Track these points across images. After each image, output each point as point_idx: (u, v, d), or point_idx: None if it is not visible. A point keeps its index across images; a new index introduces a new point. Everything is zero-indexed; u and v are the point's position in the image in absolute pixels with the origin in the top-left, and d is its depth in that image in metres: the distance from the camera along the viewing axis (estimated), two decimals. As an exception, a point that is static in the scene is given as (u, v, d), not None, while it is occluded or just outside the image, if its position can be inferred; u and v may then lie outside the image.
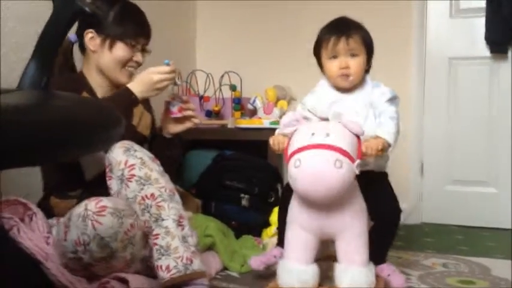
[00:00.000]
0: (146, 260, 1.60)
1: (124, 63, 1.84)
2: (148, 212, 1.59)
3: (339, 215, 1.63)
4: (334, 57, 1.81)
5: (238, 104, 2.90)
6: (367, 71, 1.89)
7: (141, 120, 1.95)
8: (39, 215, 1.64)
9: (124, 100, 1.75)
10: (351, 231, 1.66)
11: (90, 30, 1.81)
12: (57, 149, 0.91)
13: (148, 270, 1.62)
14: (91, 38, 1.82)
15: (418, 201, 3.07)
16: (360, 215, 1.68)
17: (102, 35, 1.81)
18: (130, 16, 1.85)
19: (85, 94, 1.80)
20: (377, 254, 1.77)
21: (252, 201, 2.44)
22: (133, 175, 1.60)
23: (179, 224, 1.59)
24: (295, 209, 1.70)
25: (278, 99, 2.90)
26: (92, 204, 1.48)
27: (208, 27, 3.41)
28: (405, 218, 2.92)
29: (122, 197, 1.61)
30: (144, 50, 1.89)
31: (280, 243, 1.84)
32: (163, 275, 1.53)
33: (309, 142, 1.57)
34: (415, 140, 3.06)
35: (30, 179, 1.98)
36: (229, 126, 2.74)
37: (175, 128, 1.96)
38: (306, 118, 1.70)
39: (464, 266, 2.14)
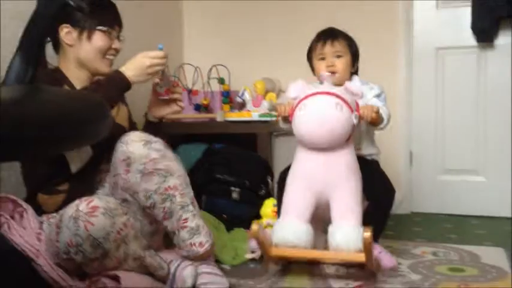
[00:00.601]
0: (141, 259, 1.60)
1: (104, 52, 1.84)
2: (171, 200, 1.67)
3: (336, 168, 1.75)
4: (322, 58, 2.03)
5: (227, 97, 2.90)
6: (355, 72, 2.09)
7: (118, 112, 1.94)
8: (30, 211, 1.62)
9: (118, 84, 1.74)
10: (346, 185, 1.73)
11: (65, 25, 1.79)
12: (46, 143, 0.90)
13: (142, 268, 1.62)
14: (67, 32, 1.80)
15: (407, 191, 3.09)
16: (355, 172, 1.77)
17: (78, 28, 1.80)
18: (102, 5, 1.85)
19: (65, 87, 1.79)
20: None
21: (242, 194, 2.45)
22: (156, 169, 1.66)
23: (194, 204, 1.73)
24: (296, 162, 1.81)
25: (267, 92, 2.89)
26: (83, 204, 1.48)
27: (196, 21, 3.39)
28: (395, 208, 2.94)
29: (131, 188, 1.66)
30: (118, 38, 1.89)
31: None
32: (198, 249, 1.70)
33: (313, 91, 1.76)
34: (403, 130, 3.08)
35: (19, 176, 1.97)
36: (218, 119, 2.74)
37: (162, 111, 1.96)
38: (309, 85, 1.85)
39: (454, 254, 2.16)
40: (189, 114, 2.84)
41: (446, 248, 2.25)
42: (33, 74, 1.14)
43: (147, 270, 1.63)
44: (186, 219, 1.69)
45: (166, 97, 1.92)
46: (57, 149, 0.99)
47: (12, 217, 1.61)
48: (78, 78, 1.84)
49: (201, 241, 1.71)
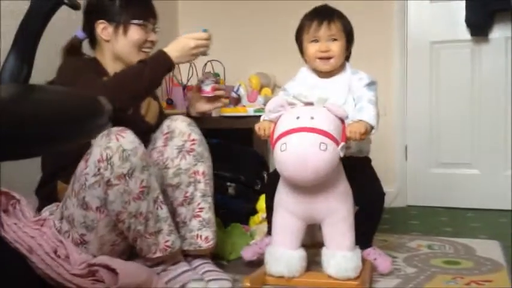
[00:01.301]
0: (142, 234, 1.60)
1: (140, 46, 1.84)
2: (195, 186, 1.76)
3: (325, 198, 1.66)
4: (315, 41, 1.86)
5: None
6: (347, 58, 1.94)
7: (149, 109, 1.95)
8: (23, 201, 1.63)
9: (163, 64, 1.73)
10: (337, 215, 1.68)
11: (101, 21, 1.80)
12: (41, 142, 0.90)
13: (149, 236, 1.62)
14: (103, 28, 1.81)
15: (402, 184, 3.10)
16: (345, 199, 1.70)
17: (113, 23, 1.81)
18: None
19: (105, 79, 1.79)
20: (363, 238, 1.79)
21: (238, 190, 2.45)
22: (193, 149, 1.77)
23: (212, 198, 1.79)
24: (282, 194, 1.73)
25: (262, 87, 2.89)
26: (114, 128, 1.54)
27: (190, 16, 3.39)
28: (390, 202, 2.96)
29: (164, 162, 1.76)
30: (154, 30, 1.89)
31: (270, 231, 1.86)
32: (202, 243, 1.75)
33: (294, 125, 1.60)
34: (398, 124, 3.09)
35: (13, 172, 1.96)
36: (213, 115, 2.73)
37: (205, 107, 1.98)
38: (291, 104, 1.72)
39: (449, 247, 2.17)
40: (184, 110, 2.84)
41: (442, 241, 2.27)
42: (28, 72, 1.14)
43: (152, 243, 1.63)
44: (202, 209, 1.76)
45: (211, 94, 1.92)
46: (53, 147, 0.99)
47: (6, 210, 1.61)
48: (114, 71, 1.81)
49: (207, 236, 1.75)
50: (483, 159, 2.99)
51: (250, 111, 2.67)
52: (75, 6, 1.24)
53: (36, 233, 1.56)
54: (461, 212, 2.91)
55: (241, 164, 2.50)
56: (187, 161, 1.76)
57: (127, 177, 1.52)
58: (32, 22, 1.19)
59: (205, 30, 1.80)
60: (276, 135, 1.64)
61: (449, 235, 2.40)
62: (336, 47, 1.84)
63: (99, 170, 1.51)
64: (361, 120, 1.71)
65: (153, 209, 1.59)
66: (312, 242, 1.94)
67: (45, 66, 2.14)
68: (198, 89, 1.98)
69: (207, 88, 1.92)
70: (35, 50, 1.19)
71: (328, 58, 1.85)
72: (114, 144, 1.51)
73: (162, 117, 2.02)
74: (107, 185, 1.52)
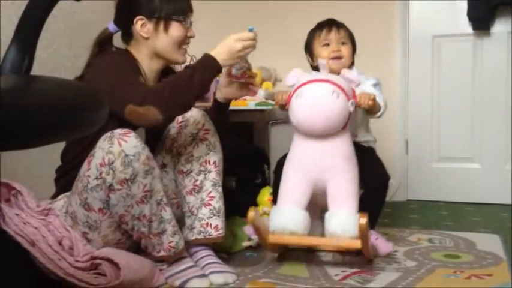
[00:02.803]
0: (145, 235, 1.60)
1: (181, 42, 1.80)
2: (205, 175, 1.79)
3: (332, 156, 1.75)
4: (327, 44, 2.05)
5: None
6: (351, 64, 2.10)
7: None
8: (25, 192, 1.63)
9: (211, 68, 1.67)
10: (342, 174, 1.73)
11: (140, 17, 1.74)
12: (41, 133, 0.90)
13: (145, 246, 1.64)
14: (142, 24, 1.75)
15: (403, 178, 3.10)
16: (351, 161, 1.77)
17: (153, 19, 1.75)
18: None
19: (141, 78, 1.75)
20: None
21: (239, 183, 2.45)
22: (206, 138, 1.80)
23: (222, 188, 1.82)
24: (292, 150, 1.81)
25: (263, 81, 2.89)
26: (118, 130, 1.54)
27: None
28: (391, 196, 2.96)
29: (177, 149, 1.81)
30: (190, 24, 1.84)
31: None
32: (211, 231, 1.77)
33: (310, 78, 1.77)
34: (400, 118, 3.08)
35: (15, 163, 1.97)
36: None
37: (234, 93, 1.88)
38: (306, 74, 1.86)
39: (450, 241, 2.18)
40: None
41: (442, 235, 2.27)
42: (30, 63, 1.14)
43: (148, 250, 1.63)
44: (212, 197, 1.78)
45: (242, 80, 1.83)
46: (53, 139, 0.99)
47: (8, 200, 1.61)
48: (150, 70, 1.81)
49: (217, 224, 1.77)
50: (484, 154, 2.99)
51: (251, 104, 2.66)
52: (75, -1, 1.24)
53: (41, 223, 1.56)
54: (462, 206, 2.91)
55: (242, 158, 2.50)
56: (199, 149, 1.79)
57: (129, 183, 1.51)
58: (33, 13, 1.18)
59: (251, 30, 1.74)
60: (292, 91, 1.77)
61: (449, 229, 2.40)
62: (345, 49, 2.05)
63: (100, 174, 1.51)
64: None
65: (157, 211, 1.59)
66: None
67: (46, 57, 2.16)
68: (229, 72, 1.85)
69: (238, 73, 1.82)
70: (36, 41, 1.18)
71: (340, 58, 2.03)
72: (116, 149, 1.50)
73: None
74: (109, 189, 1.51)
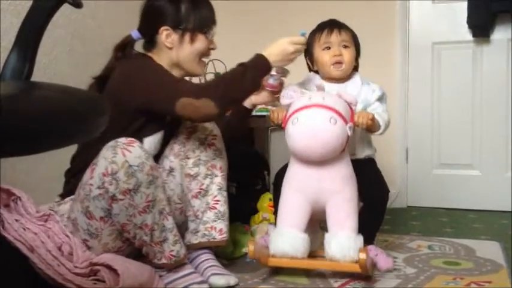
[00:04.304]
0: (147, 244, 1.60)
1: (203, 54, 1.81)
2: (211, 179, 1.81)
3: (331, 178, 1.72)
4: (328, 48, 1.92)
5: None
6: (355, 68, 1.99)
7: None
8: (24, 197, 1.63)
9: (262, 68, 1.72)
10: (342, 195, 1.72)
11: (166, 27, 1.74)
12: (41, 139, 0.91)
13: (145, 254, 1.64)
14: (167, 35, 1.75)
15: (403, 185, 3.10)
16: (350, 182, 1.75)
17: (179, 30, 1.75)
18: (201, 5, 1.80)
19: None
20: (366, 234, 1.80)
21: (239, 189, 2.45)
22: (214, 144, 1.84)
23: (226, 192, 1.84)
24: (290, 173, 1.78)
25: (263, 87, 2.89)
26: (122, 138, 1.54)
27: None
28: (391, 202, 2.95)
29: (185, 153, 1.82)
30: (212, 36, 1.84)
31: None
32: (216, 235, 1.79)
33: (306, 103, 1.70)
34: (400, 125, 3.09)
35: (15, 169, 1.97)
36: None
37: (261, 99, 1.86)
38: (302, 92, 1.79)
39: (449, 248, 2.18)
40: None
41: (442, 242, 2.27)
42: (30, 70, 1.14)
43: (148, 258, 1.63)
44: (218, 201, 1.81)
45: (277, 89, 1.83)
46: (54, 145, 0.99)
47: (8, 205, 1.61)
48: None
49: (221, 228, 1.80)
50: (484, 161, 2.99)
51: (251, 110, 2.67)
52: (77, 5, 1.24)
53: (40, 229, 1.55)
54: (462, 213, 2.90)
55: (242, 164, 2.50)
56: (207, 153, 1.82)
57: (132, 193, 1.51)
58: (34, 20, 1.18)
59: (303, 34, 1.76)
60: (288, 114, 1.73)
61: (449, 236, 2.40)
62: (347, 54, 1.91)
63: (103, 183, 1.50)
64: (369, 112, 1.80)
65: (159, 221, 1.59)
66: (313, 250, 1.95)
67: (47, 63, 2.17)
68: (264, 81, 1.83)
69: (275, 82, 1.81)
70: (37, 47, 1.18)
71: (341, 63, 1.90)
72: (120, 159, 1.49)
73: None
74: (112, 199, 1.51)
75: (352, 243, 1.67)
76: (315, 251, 1.86)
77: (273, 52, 1.72)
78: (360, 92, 1.91)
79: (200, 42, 1.78)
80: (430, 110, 3.07)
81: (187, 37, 1.76)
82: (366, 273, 1.72)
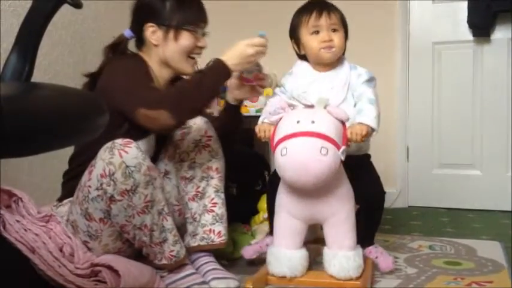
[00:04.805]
0: (147, 244, 1.61)
1: (190, 52, 1.79)
2: (208, 181, 1.79)
3: (326, 200, 1.66)
4: (316, 32, 1.82)
5: (224, 92, 2.89)
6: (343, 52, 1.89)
7: None
8: (25, 198, 1.63)
9: (221, 73, 1.66)
10: (338, 216, 1.68)
11: (151, 24, 1.74)
12: (41, 140, 0.90)
13: (145, 256, 1.64)
14: (152, 31, 1.75)
15: (404, 185, 3.10)
16: (347, 200, 1.70)
17: (163, 27, 1.74)
18: (188, 2, 1.79)
19: (154, 84, 1.76)
20: (364, 236, 1.80)
21: (239, 189, 2.45)
22: (209, 145, 1.80)
23: (224, 194, 1.82)
24: (283, 196, 1.72)
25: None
26: (119, 140, 1.53)
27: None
28: (392, 202, 2.96)
29: (180, 156, 1.80)
30: (203, 34, 1.83)
31: (272, 231, 1.85)
32: (214, 238, 1.77)
33: (295, 130, 1.58)
34: (400, 125, 3.09)
35: (16, 169, 1.97)
36: (215, 114, 2.74)
37: (243, 94, 1.88)
38: (290, 105, 1.71)
39: (450, 248, 2.17)
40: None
41: (443, 242, 2.26)
42: (30, 70, 1.14)
43: (149, 259, 1.63)
44: (215, 204, 1.79)
45: (254, 83, 1.83)
46: (53, 146, 0.99)
47: (9, 206, 1.61)
48: (161, 77, 1.80)
49: (220, 231, 1.78)
50: (485, 160, 2.99)
51: (251, 111, 2.67)
52: (77, 5, 1.24)
53: (42, 230, 1.55)
54: (463, 212, 2.90)
55: (243, 164, 2.50)
56: (202, 155, 1.79)
57: (130, 193, 1.51)
58: (34, 21, 1.18)
59: (262, 35, 1.72)
60: (276, 139, 1.63)
61: (450, 236, 2.39)
62: (337, 38, 1.81)
63: (101, 185, 1.50)
64: (362, 123, 1.68)
65: (158, 221, 1.59)
66: (314, 237, 1.95)
67: (47, 64, 2.16)
68: (241, 75, 1.83)
69: (250, 76, 1.81)
70: (36, 48, 1.18)
71: (331, 47, 1.80)
72: (117, 160, 1.49)
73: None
74: (110, 200, 1.51)
75: (351, 263, 1.66)
76: (315, 234, 1.88)
77: (231, 56, 1.67)
78: (348, 77, 1.83)
79: (185, 39, 1.76)
80: (430, 110, 3.07)
81: (171, 34, 1.75)
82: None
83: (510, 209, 2.84)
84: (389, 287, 1.73)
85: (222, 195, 1.81)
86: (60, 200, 1.72)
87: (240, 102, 1.93)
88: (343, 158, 1.58)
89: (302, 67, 1.92)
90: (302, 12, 1.86)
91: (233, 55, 1.67)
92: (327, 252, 1.70)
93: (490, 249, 2.14)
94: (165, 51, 1.76)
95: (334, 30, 1.81)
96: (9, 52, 1.16)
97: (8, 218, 1.54)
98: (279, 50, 3.08)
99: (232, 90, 1.88)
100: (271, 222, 1.90)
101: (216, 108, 2.76)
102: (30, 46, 1.16)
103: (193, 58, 1.81)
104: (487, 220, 2.72)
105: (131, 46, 1.86)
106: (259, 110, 2.62)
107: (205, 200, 1.78)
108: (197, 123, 1.80)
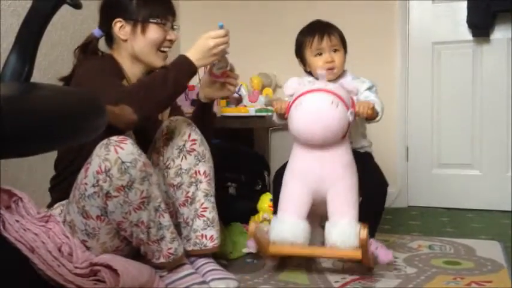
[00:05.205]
0: (144, 242, 1.61)
1: (159, 45, 1.80)
2: (196, 186, 1.75)
3: (332, 165, 1.75)
4: (319, 54, 1.98)
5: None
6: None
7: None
8: (25, 198, 1.63)
9: (186, 69, 1.67)
10: (342, 183, 1.74)
11: (118, 19, 1.76)
12: (41, 140, 0.91)
13: (142, 255, 1.64)
14: (120, 27, 1.77)
15: (403, 184, 3.10)
16: (351, 170, 1.77)
17: (131, 21, 1.76)
18: None
19: (125, 82, 1.77)
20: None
21: (239, 190, 2.45)
22: (194, 149, 1.75)
23: (214, 197, 1.78)
24: (293, 160, 1.81)
25: (263, 87, 2.90)
26: (114, 137, 1.53)
27: (192, 16, 3.39)
28: (391, 202, 2.96)
29: (165, 163, 1.76)
30: (173, 28, 1.84)
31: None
32: (207, 242, 1.75)
33: (310, 88, 1.76)
34: (400, 125, 3.09)
35: (16, 169, 1.97)
36: (217, 115, 2.74)
37: (214, 93, 1.89)
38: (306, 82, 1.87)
39: (450, 248, 2.18)
40: (186, 110, 2.84)
41: (442, 242, 2.27)
42: (30, 71, 1.14)
43: (146, 258, 1.64)
44: (205, 208, 1.75)
45: (222, 80, 1.84)
46: (52, 146, 1.00)
47: (9, 207, 1.61)
48: (132, 73, 1.82)
49: (212, 235, 1.75)
50: (484, 160, 2.99)
51: (251, 111, 2.67)
52: (77, 6, 1.24)
53: (41, 229, 1.56)
54: (462, 212, 2.90)
55: (242, 164, 2.51)
56: (188, 161, 1.75)
57: (126, 189, 1.51)
58: (34, 21, 1.19)
59: (221, 26, 1.72)
60: (292, 100, 1.76)
61: (450, 236, 2.40)
62: (338, 58, 1.98)
63: (97, 181, 1.50)
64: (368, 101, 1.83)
65: (155, 218, 1.59)
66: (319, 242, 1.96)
67: (46, 65, 2.17)
68: (210, 71, 1.86)
69: (218, 72, 1.83)
70: (36, 48, 1.19)
71: (332, 68, 1.96)
72: (113, 157, 1.49)
73: (174, 105, 2.01)
74: (106, 196, 1.51)
75: (353, 230, 1.69)
76: (322, 239, 1.87)
77: (194, 51, 1.68)
78: (353, 85, 1.93)
79: (153, 32, 1.77)
80: (430, 110, 3.07)
81: (139, 28, 1.76)
82: (367, 262, 1.72)
83: (510, 209, 2.84)
84: (388, 286, 1.73)
85: (212, 199, 1.77)
86: (50, 206, 1.72)
87: (211, 100, 1.94)
88: (351, 119, 1.72)
89: (308, 79, 2.02)
90: (305, 35, 2.02)
91: (195, 50, 1.69)
92: (328, 225, 1.74)
93: (489, 249, 2.14)
94: (134, 45, 1.78)
95: (335, 50, 1.98)
96: (8, 52, 1.17)
97: (7, 218, 1.54)
98: (279, 51, 3.09)
99: (203, 88, 1.91)
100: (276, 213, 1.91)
101: (216, 108, 2.76)
102: (30, 46, 1.17)
103: (163, 52, 1.82)
104: (486, 220, 2.72)
105: (103, 46, 1.86)
106: (259, 110, 2.63)
107: (196, 204, 1.76)
108: (178, 127, 1.75)
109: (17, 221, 1.54)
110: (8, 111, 0.86)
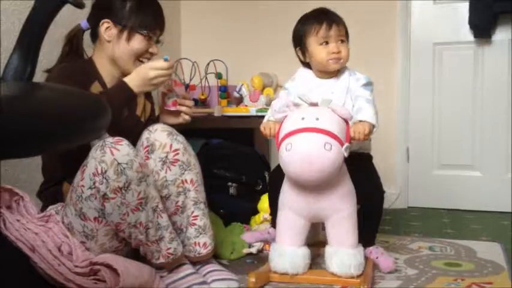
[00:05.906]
0: (143, 243, 1.61)
1: (140, 55, 1.81)
2: (185, 194, 1.73)
3: (328, 197, 1.68)
4: (326, 43, 1.87)
5: (224, 92, 2.90)
6: None
7: (144, 110, 1.95)
8: (26, 198, 1.63)
9: (123, 94, 1.72)
10: (340, 213, 1.70)
11: (107, 20, 1.77)
12: (43, 140, 0.91)
13: (142, 255, 1.64)
14: (107, 28, 1.78)
15: (404, 185, 3.10)
16: (349, 198, 1.72)
17: (119, 26, 1.78)
18: (148, 7, 1.82)
19: (96, 84, 1.78)
20: (365, 237, 1.80)
21: (239, 190, 2.45)
22: (177, 160, 1.72)
23: (205, 203, 1.78)
24: (286, 193, 1.74)
25: (264, 87, 2.90)
26: (109, 138, 1.54)
27: (193, 16, 3.39)
28: (392, 203, 2.96)
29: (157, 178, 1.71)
30: (158, 42, 1.86)
31: (274, 224, 1.88)
32: (200, 250, 1.75)
33: (300, 126, 1.62)
34: (401, 125, 3.08)
35: (17, 168, 1.97)
36: (215, 114, 2.74)
37: (169, 120, 1.94)
38: (296, 104, 1.74)
39: (450, 249, 2.17)
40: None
41: (443, 243, 2.26)
42: (32, 70, 1.14)
43: (147, 258, 1.63)
44: (196, 216, 1.75)
45: (172, 108, 1.90)
46: (54, 147, 0.99)
47: (10, 207, 1.61)
48: (109, 74, 1.83)
49: (205, 242, 1.75)
50: (485, 161, 2.99)
51: (252, 111, 2.67)
52: (79, 5, 1.24)
53: (41, 229, 1.56)
54: (463, 213, 2.90)
55: (243, 164, 2.50)
56: (172, 172, 1.72)
57: (123, 191, 1.51)
58: (36, 21, 1.19)
59: (166, 59, 1.75)
60: (281, 136, 1.66)
61: (450, 237, 2.39)
62: (344, 49, 1.88)
63: (94, 183, 1.50)
64: (363, 121, 1.73)
65: (153, 218, 1.59)
66: (314, 240, 1.95)
67: (47, 64, 2.15)
68: (163, 101, 1.92)
69: (169, 102, 1.89)
70: (38, 48, 1.19)
71: (339, 58, 1.87)
72: (109, 158, 1.49)
73: (154, 117, 2.03)
74: (103, 198, 1.51)
75: (352, 260, 1.68)
76: (317, 237, 1.89)
77: (134, 77, 1.73)
78: (348, 83, 1.90)
79: (137, 42, 1.79)
80: (431, 111, 3.07)
81: (125, 34, 1.78)
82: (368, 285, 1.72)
83: (510, 210, 2.84)
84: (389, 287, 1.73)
85: (202, 206, 1.76)
86: (42, 210, 1.72)
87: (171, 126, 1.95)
88: (346, 155, 1.62)
89: (304, 74, 1.97)
90: (310, 22, 1.90)
91: (135, 77, 1.74)
92: (329, 250, 1.72)
93: (490, 250, 2.14)
94: (115, 49, 1.80)
95: (342, 41, 1.88)
96: (10, 51, 1.17)
97: (8, 217, 1.54)
98: (280, 51, 3.09)
99: (162, 116, 1.97)
100: (273, 218, 1.92)
101: (217, 108, 2.76)
102: (32, 46, 1.17)
103: (142, 62, 1.83)
104: (487, 221, 2.72)
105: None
106: (260, 110, 2.63)
107: (188, 211, 1.75)
108: (158, 139, 1.71)
109: (18, 220, 1.54)
110: (9, 111, 0.86)
